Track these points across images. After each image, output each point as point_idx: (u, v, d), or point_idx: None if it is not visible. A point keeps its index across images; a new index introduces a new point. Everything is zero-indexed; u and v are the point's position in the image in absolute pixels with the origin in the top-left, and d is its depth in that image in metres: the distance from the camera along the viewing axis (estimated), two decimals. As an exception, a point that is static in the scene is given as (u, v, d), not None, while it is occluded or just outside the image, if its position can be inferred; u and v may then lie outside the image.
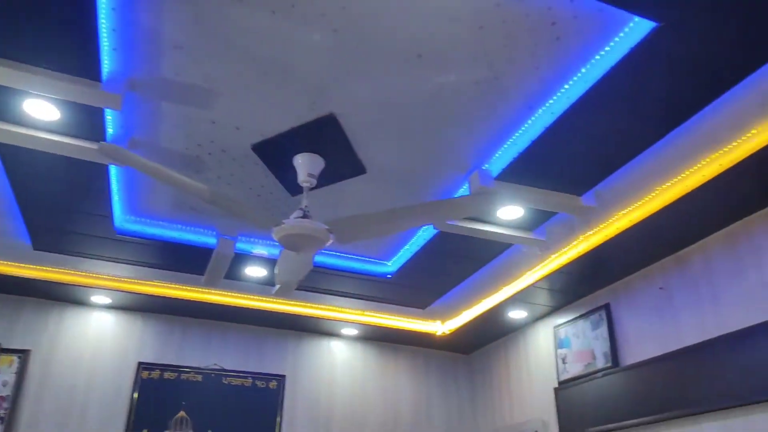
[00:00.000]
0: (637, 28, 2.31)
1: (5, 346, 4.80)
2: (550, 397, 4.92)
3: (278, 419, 5.45)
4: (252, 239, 4.18)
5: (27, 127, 2.82)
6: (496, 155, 3.13)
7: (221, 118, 2.87)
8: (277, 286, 4.49)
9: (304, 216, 2.94)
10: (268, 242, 4.23)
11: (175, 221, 3.94)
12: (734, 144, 2.92)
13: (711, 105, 2.61)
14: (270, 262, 4.38)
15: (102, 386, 5.03)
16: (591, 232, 3.84)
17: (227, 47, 2.43)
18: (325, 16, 2.26)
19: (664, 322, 3.96)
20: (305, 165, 3.07)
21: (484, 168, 3.18)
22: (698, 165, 3.10)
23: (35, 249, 4.23)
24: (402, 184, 3.40)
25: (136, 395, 5.09)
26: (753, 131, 2.81)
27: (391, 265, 4.54)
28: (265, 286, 4.88)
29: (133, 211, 3.81)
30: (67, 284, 4.73)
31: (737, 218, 3.46)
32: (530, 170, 3.13)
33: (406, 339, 6.01)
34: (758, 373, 3.19)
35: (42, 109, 2.67)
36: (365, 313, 5.51)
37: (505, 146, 3.07)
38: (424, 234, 4.02)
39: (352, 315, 5.50)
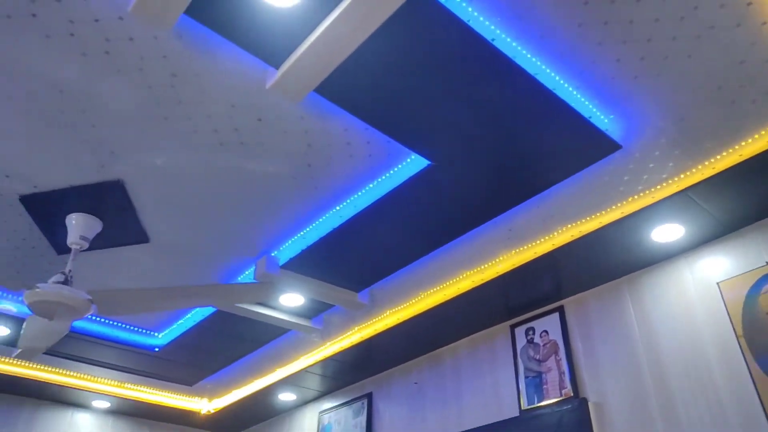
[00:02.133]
0: (416, 161, 2.68)
1: None
2: (306, 484, 4.95)
3: (-10, 506, 4.61)
4: (2, 294, 3.67)
5: None
6: (286, 245, 3.26)
7: (-11, 162, 2.58)
8: (19, 350, 3.96)
9: (65, 281, 2.71)
10: (18, 298, 3.74)
11: None
12: (485, 266, 3.44)
13: (468, 233, 3.08)
14: (18, 320, 3.86)
15: None
16: (364, 324, 4.11)
17: (17, 93, 2.24)
18: (142, 71, 2.19)
19: (414, 415, 4.32)
20: (79, 226, 2.86)
21: (272, 255, 3.27)
22: (455, 279, 3.57)
23: None
24: (186, 258, 3.33)
25: None
26: (499, 258, 3.35)
27: (162, 338, 4.30)
28: (5, 347, 4.25)
29: None
30: None
31: (482, 328, 4.01)
32: (315, 264, 3.31)
33: (165, 416, 5.62)
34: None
35: None
36: (123, 384, 5.06)
37: (295, 238, 3.22)
38: (202, 310, 3.93)
39: (107, 386, 5.02)
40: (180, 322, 4.08)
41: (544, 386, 3.53)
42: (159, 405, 5.32)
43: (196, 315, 3.98)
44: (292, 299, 3.64)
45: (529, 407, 3.53)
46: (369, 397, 4.74)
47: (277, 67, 2.13)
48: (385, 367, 4.66)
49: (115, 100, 2.29)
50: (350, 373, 4.76)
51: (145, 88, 2.24)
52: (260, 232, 3.15)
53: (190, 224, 3.07)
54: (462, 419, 3.94)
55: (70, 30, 2.01)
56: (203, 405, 5.51)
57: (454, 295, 3.60)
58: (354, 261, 3.32)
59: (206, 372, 4.77)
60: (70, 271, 2.76)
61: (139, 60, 2.12)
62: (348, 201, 2.95)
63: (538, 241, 3.18)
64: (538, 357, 3.63)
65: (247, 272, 3.49)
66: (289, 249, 3.28)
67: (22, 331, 3.05)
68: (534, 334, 3.71)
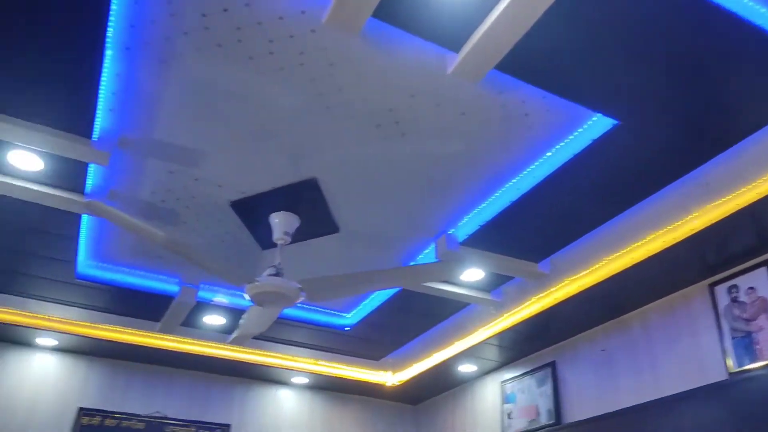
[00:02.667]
0: (598, 123, 2.59)
1: (-65, 389, 4.52)
2: (496, 450, 5.07)
3: (222, 469, 5.33)
4: (214, 287, 4.19)
5: (6, 175, 2.79)
6: (463, 222, 3.34)
7: (205, 176, 2.95)
8: (234, 335, 4.50)
9: (277, 273, 3.03)
10: (230, 291, 4.24)
11: (139, 267, 3.91)
12: (676, 224, 3.24)
13: (658, 192, 2.92)
14: (229, 311, 4.39)
15: (39, 430, 4.78)
16: (542, 295, 4.09)
17: (217, 111, 2.54)
18: (314, 81, 2.39)
19: (603, 383, 4.21)
20: (282, 223, 3.17)
21: (450, 233, 3.38)
22: (643, 240, 3.41)
23: (-12, 290, 4.08)
24: (371, 243, 3.54)
25: (74, 443, 4.87)
26: (693, 215, 3.14)
27: (350, 318, 4.63)
28: (220, 334, 4.85)
29: (97, 256, 3.77)
30: (11, 324, 4.54)
31: (675, 289, 3.79)
32: (493, 238, 3.35)
33: (355, 389, 6.05)
34: (692, 435, 3.46)
35: (26, 161, 2.68)
36: (317, 362, 5.54)
37: (472, 214, 3.28)
38: (387, 290, 4.16)
39: (304, 363, 5.51)
40: (366, 302, 4.37)
41: (756, 346, 3.27)
42: (349, 379, 5.73)
43: (381, 295, 4.23)
44: (472, 274, 3.73)
45: (739, 369, 3.29)
46: (552, 366, 4.71)
47: (457, 51, 2.18)
48: (567, 336, 4.59)
49: (306, 111, 2.50)
50: (529, 343, 4.76)
51: (335, 90, 2.41)
52: (438, 211, 3.25)
53: (373, 211, 3.26)
54: (659, 385, 3.77)
55: (269, 49, 2.22)
56: (388, 378, 5.85)
57: (643, 257, 3.42)
58: (534, 232, 3.31)
59: (390, 347, 5.06)
60: (279, 263, 3.07)
61: (329, 66, 2.29)
62: (526, 172, 2.94)
63: (737, 192, 2.92)
64: (745, 316, 3.36)
65: (426, 251, 3.63)
66: (467, 225, 3.36)
67: (242, 320, 3.47)
68: (738, 291, 3.43)
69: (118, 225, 2.61)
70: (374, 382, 5.82)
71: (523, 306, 4.25)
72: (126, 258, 3.78)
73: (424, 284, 3.77)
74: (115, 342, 4.86)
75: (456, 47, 2.17)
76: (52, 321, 4.61)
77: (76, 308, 4.38)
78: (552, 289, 4.00)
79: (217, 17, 2.07)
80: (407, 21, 2.07)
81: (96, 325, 4.74)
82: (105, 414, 5.09)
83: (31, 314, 4.53)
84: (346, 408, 6.17)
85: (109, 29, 2.08)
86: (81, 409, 5.01)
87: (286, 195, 3.08)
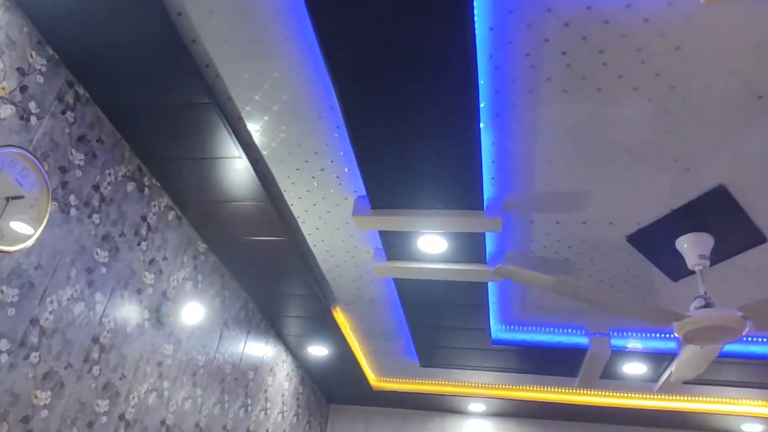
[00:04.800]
0: None
1: (404, 456, 5.28)
2: None
3: None
4: (626, 333, 3.89)
5: (419, 261, 3.18)
6: None
7: (592, 217, 2.82)
8: (662, 381, 4.06)
9: (707, 304, 2.60)
10: (643, 335, 3.88)
11: (546, 324, 3.93)
12: None
13: None
14: (647, 355, 4.00)
15: (493, 496, 5.08)
16: None
17: (591, 146, 2.40)
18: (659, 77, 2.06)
19: None
20: (694, 246, 2.76)
21: None
22: None
23: (422, 366, 4.66)
24: (817, 246, 2.79)
25: (526, 506, 4.99)
26: None
27: (807, 344, 3.70)
28: (644, 383, 4.45)
29: (506, 320, 3.94)
30: (447, 395, 5.06)
31: None
32: None
33: (838, 434, 4.74)
34: None
35: (433, 244, 3.00)
36: (771, 404, 4.56)
37: None
38: None
39: (759, 408, 4.60)
40: (829, 321, 3.42)
41: None
42: (826, 423, 4.53)
43: None
44: None
45: None
46: None
47: None
48: None
49: (664, 112, 2.17)
50: None
51: (687, 76, 2.04)
52: None
53: (810, 205, 2.58)
54: None
55: (640, 58, 2.02)
56: None
57: None
58: None
59: None
60: (706, 293, 2.65)
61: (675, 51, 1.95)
62: None
63: None
64: None
65: None
66: None
67: (676, 361, 3.08)
68: None
69: (522, 282, 2.65)
70: None
71: None
72: (533, 317, 3.84)
73: None
74: (537, 402, 4.93)
75: None
76: (478, 387, 4.97)
77: (495, 372, 4.61)
78: None
79: (577, 49, 1.99)
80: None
81: (517, 387, 4.92)
82: (546, 475, 5.11)
83: (460, 383, 4.98)
84: (831, 460, 4.85)
85: (481, 104, 2.20)
86: (524, 471, 5.16)
87: (689, 213, 2.69)
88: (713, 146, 2.34)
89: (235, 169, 2.59)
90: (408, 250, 3.12)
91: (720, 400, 4.63)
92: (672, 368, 3.16)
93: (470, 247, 3.01)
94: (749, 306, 2.48)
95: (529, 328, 3.99)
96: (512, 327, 4.01)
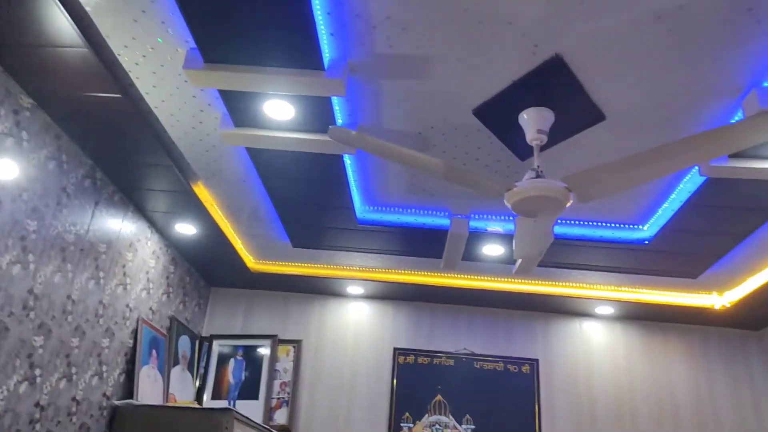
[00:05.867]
0: None
1: (282, 337, 5.41)
2: None
3: (536, 406, 5.18)
4: (485, 215, 4.01)
5: (268, 129, 3.06)
6: (780, 68, 2.46)
7: (439, 87, 2.76)
8: (517, 264, 4.25)
9: (538, 176, 2.66)
10: (501, 218, 4.02)
11: (410, 206, 3.97)
12: None
13: None
14: (507, 238, 4.17)
15: (365, 370, 5.35)
16: None
17: (435, 7, 2.29)
18: None
19: None
20: (533, 121, 2.79)
21: (765, 86, 2.52)
22: None
23: (294, 246, 4.67)
24: (651, 125, 2.89)
25: (395, 380, 5.30)
26: None
27: (647, 230, 3.95)
28: (505, 266, 4.68)
29: (371, 200, 3.94)
30: (326, 278, 5.15)
31: None
32: (834, 78, 2.38)
33: (674, 316, 5.25)
34: None
35: (279, 109, 2.87)
36: (621, 288, 4.94)
37: (793, 53, 2.38)
38: (686, 186, 3.40)
39: (606, 291, 4.98)
40: (665, 205, 3.65)
41: None
42: (663, 305, 4.99)
43: (681, 194, 3.48)
44: (809, 139, 2.74)
45: None
46: None
47: None
48: None
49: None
50: None
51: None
52: (735, 66, 2.45)
53: (642, 85, 2.63)
54: None
55: None
56: (714, 300, 4.90)
57: None
58: None
59: (708, 259, 4.18)
60: (538, 166, 2.71)
61: None
62: None
63: None
64: None
65: (732, 121, 2.80)
66: (787, 70, 2.45)
67: (513, 239, 3.20)
68: None
69: (352, 145, 2.61)
70: (697, 306, 4.95)
71: None
72: (395, 198, 3.86)
73: (734, 165, 2.93)
74: (410, 284, 5.12)
75: None
76: (355, 271, 5.08)
77: (367, 254, 4.70)
78: None
79: None
80: None
81: (391, 270, 5.06)
82: (417, 353, 5.42)
83: (338, 266, 5.07)
84: (669, 339, 5.41)
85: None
86: (396, 349, 5.44)
87: (531, 86, 2.68)
88: (559, 19, 2.28)
89: (46, 5, 2.29)
90: (255, 117, 2.98)
91: (576, 284, 4.97)
92: (514, 246, 3.29)
93: (319, 115, 2.91)
94: (573, 177, 2.56)
95: (394, 209, 4.02)
96: (377, 207, 4.03)
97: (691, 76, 2.54)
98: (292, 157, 3.31)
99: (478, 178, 2.65)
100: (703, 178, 3.20)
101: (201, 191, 3.91)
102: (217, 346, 5.34)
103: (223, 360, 5.30)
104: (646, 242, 4.01)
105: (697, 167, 3.14)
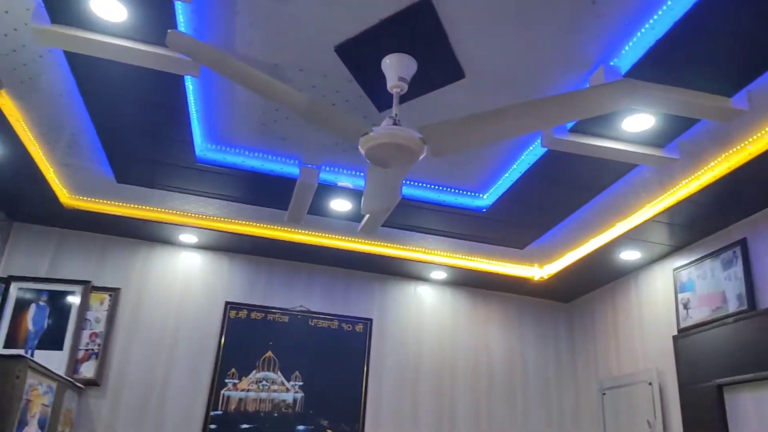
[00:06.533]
0: None
1: (96, 284, 4.84)
2: (668, 346, 4.37)
3: (366, 363, 5.25)
4: (336, 168, 3.87)
5: (94, 31, 2.58)
6: (626, 49, 2.60)
7: (303, 14, 2.52)
8: (363, 222, 4.20)
9: (395, 124, 2.56)
10: (353, 172, 3.91)
11: (258, 149, 3.69)
12: None
13: None
14: (356, 195, 4.07)
15: (191, 324, 4.99)
16: (733, 150, 3.22)
17: None
18: None
19: (821, 258, 3.31)
20: (395, 67, 2.68)
21: (611, 64, 2.65)
22: None
23: (119, 182, 4.14)
24: (507, 89, 2.93)
25: (224, 334, 5.03)
26: None
27: (487, 198, 4.11)
28: (351, 224, 4.60)
29: (214, 138, 3.59)
30: (154, 222, 4.67)
31: None
32: (667, 65, 2.57)
33: (498, 285, 5.61)
34: None
35: (109, 8, 2.42)
36: (455, 255, 5.14)
37: (637, 37, 2.53)
38: (527, 158, 3.55)
39: (442, 257, 5.15)
40: (505, 175, 3.80)
41: None
42: (491, 273, 5.29)
43: (521, 165, 3.63)
44: (638, 122, 2.98)
45: None
46: (742, 243, 3.84)
47: None
48: (764, 204, 3.68)
49: None
50: (711, 218, 3.91)
51: None
52: (588, 40, 2.55)
53: (506, 46, 2.64)
54: None
55: None
56: (534, 271, 5.31)
57: None
58: (725, 52, 2.47)
59: (536, 231, 4.47)
60: (396, 114, 2.61)
61: None
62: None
63: None
64: None
65: (577, 98, 2.94)
66: (630, 53, 2.60)
67: (364, 189, 3.10)
68: None
69: (239, 81, 2.28)
70: (519, 276, 5.32)
71: (707, 167, 3.41)
72: (242, 138, 3.56)
73: (574, 139, 3.09)
74: (252, 237, 4.84)
75: None
76: (190, 217, 4.67)
77: (204, 198, 4.33)
78: (751, 139, 3.12)
79: None
80: None
81: (230, 221, 4.74)
82: (250, 308, 5.18)
83: (170, 211, 4.61)
84: (490, 305, 5.77)
85: None
86: (227, 303, 5.15)
87: (397, 30, 2.56)
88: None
89: None
90: (78, 14, 2.48)
91: (415, 248, 5.07)
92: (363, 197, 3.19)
93: (157, 22, 2.50)
94: (429, 127, 2.49)
95: (240, 150, 3.71)
96: (221, 147, 3.69)
97: (549, 43, 2.60)
98: (122, 71, 2.85)
99: (342, 118, 2.48)
100: (543, 150, 3.36)
101: (4, 102, 3.26)
102: (15, 289, 4.62)
103: (22, 305, 4.60)
104: (484, 210, 4.17)
105: (540, 139, 3.27)
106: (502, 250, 4.91)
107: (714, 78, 2.64)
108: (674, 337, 4.30)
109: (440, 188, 4.05)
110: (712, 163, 3.38)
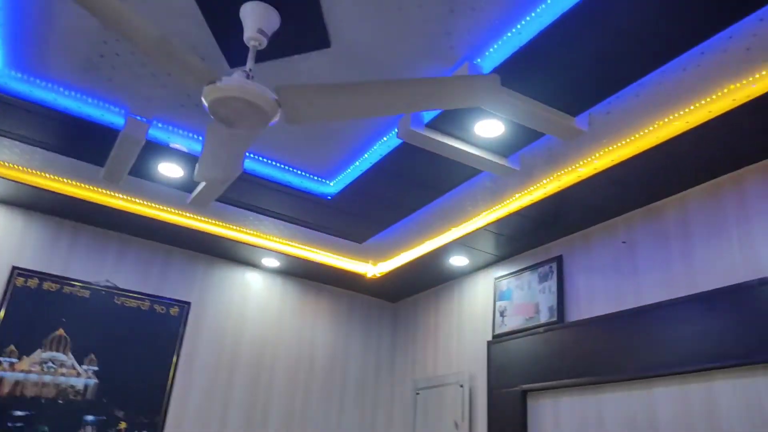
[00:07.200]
0: None
1: None
2: (482, 350, 4.59)
3: (177, 351, 4.78)
4: (170, 126, 3.44)
5: None
6: (491, 50, 2.61)
7: (153, -72, 2.14)
8: (195, 193, 3.79)
9: (247, 78, 2.29)
10: (189, 134, 3.50)
11: (76, 88, 3.13)
12: (747, 80, 2.56)
13: (728, 29, 2.21)
14: (190, 159, 3.66)
15: (-39, 289, 4.14)
16: (566, 169, 3.44)
17: None
18: None
19: (621, 279, 3.66)
20: (256, 17, 2.40)
21: (475, 62, 2.64)
22: (708, 98, 2.73)
23: None
24: (370, 69, 2.80)
25: (5, 304, 4.24)
26: (783, 60, 2.45)
27: (334, 185, 3.95)
28: (180, 193, 4.15)
29: (20, 64, 2.97)
30: (-75, 158, 3.78)
31: (729, 169, 3.16)
32: (525, 74, 2.63)
33: (331, 278, 5.49)
34: (724, 338, 2.94)
35: None
36: (292, 242, 4.91)
37: (503, 40, 2.55)
38: (380, 148, 3.47)
39: (277, 243, 4.89)
40: (356, 164, 3.67)
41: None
42: (325, 266, 5.15)
43: (373, 156, 3.54)
44: (489, 127, 3.03)
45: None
46: (558, 260, 4.14)
47: None
48: (581, 226, 4.00)
49: None
50: (536, 233, 4.17)
51: None
52: (459, 34, 2.52)
53: (377, 26, 2.51)
54: (694, 281, 3.22)
55: None
56: (369, 268, 5.28)
57: (698, 123, 2.78)
58: (579, 70, 2.59)
59: (377, 226, 4.41)
60: (251, 70, 2.33)
61: None
62: (589, -30, 2.19)
63: None
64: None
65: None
66: (495, 54, 2.62)
67: (200, 154, 2.75)
68: (815, 169, 2.82)
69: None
70: (353, 272, 5.25)
71: (541, 181, 3.60)
72: (58, 72, 2.99)
73: (429, 135, 3.06)
74: (55, 194, 4.15)
75: None
76: (-23, 157, 3.86)
77: (6, 140, 3.59)
78: (583, 161, 3.34)
79: None
80: None
81: (33, 171, 4.02)
82: (44, 276, 4.44)
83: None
84: (320, 299, 5.63)
85: None
86: (15, 268, 4.36)
87: (265, -25, 2.29)
88: None
89: None
90: None
91: (250, 231, 4.74)
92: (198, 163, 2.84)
93: None
94: (287, 89, 2.25)
95: (54, 85, 3.12)
96: (29, 77, 3.07)
97: (420, 30, 2.52)
98: None
99: (190, 60, 2.13)
100: (397, 142, 3.29)
101: None
102: None
103: None
104: (329, 198, 4.01)
105: (396, 130, 3.20)
106: (341, 242, 4.80)
107: (563, 95, 2.76)
108: (488, 343, 4.51)
109: (286, 168, 3.80)
110: (545, 180, 3.58)
